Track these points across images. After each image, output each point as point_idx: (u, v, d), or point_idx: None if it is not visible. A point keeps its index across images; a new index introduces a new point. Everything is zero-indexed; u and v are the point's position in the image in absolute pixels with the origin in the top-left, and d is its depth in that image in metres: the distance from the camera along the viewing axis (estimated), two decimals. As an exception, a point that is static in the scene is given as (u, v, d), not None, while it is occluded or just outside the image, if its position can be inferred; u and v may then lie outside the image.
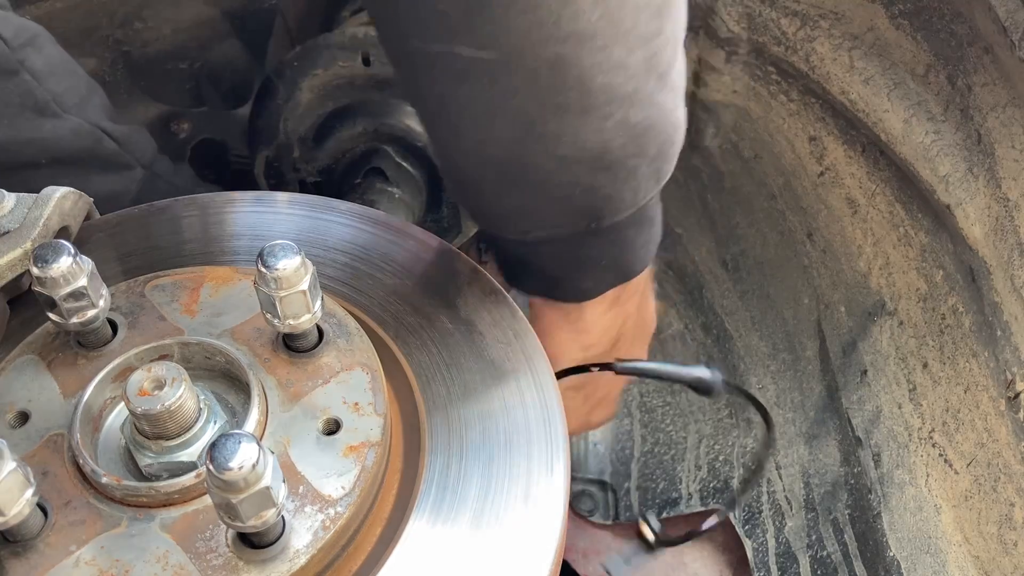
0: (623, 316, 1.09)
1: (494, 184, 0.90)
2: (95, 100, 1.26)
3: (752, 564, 1.36)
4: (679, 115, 0.89)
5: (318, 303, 0.76)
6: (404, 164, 1.45)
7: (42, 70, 1.15)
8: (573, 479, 1.60)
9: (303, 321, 0.75)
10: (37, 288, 0.75)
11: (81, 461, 0.70)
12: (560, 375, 1.06)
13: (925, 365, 1.20)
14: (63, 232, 0.90)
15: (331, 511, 0.69)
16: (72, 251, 0.74)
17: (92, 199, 0.97)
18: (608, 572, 1.44)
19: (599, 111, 0.81)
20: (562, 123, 0.81)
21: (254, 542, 0.67)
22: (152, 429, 0.70)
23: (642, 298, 1.11)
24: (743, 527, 1.40)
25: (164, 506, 0.69)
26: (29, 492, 0.64)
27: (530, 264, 1.00)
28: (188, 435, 0.71)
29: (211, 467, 0.59)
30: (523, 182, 0.87)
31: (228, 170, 1.81)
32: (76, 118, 1.19)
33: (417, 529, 0.75)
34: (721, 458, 1.49)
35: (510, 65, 0.77)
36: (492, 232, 0.98)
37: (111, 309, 0.80)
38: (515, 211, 0.92)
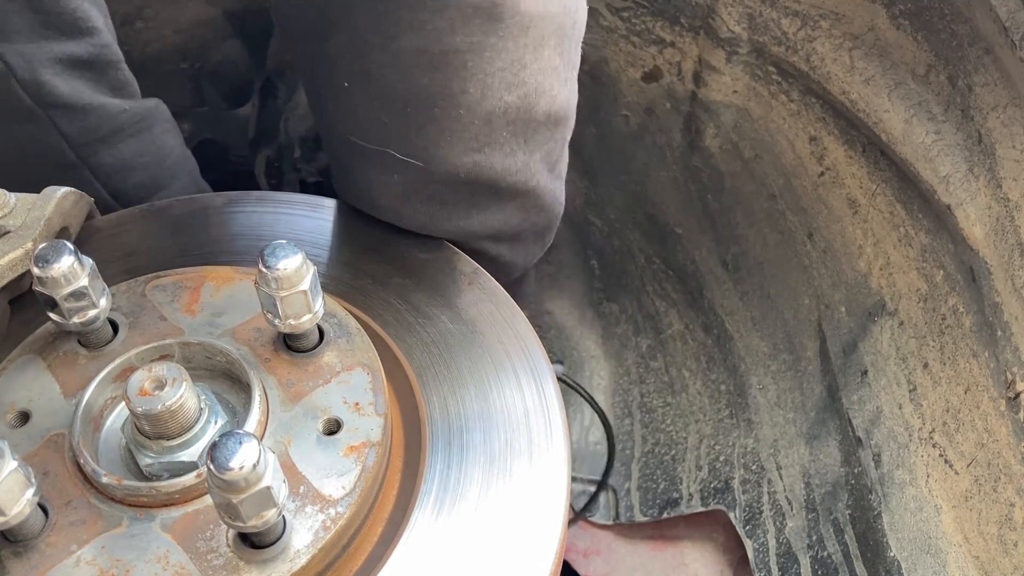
0: None
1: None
2: (173, 188, 1.21)
3: (752, 564, 1.36)
4: (562, 197, 1.09)
5: (319, 303, 0.76)
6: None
7: (111, 166, 1.12)
8: (573, 479, 1.60)
9: (304, 321, 0.75)
10: (38, 288, 0.75)
11: (82, 461, 0.70)
12: None
13: (925, 365, 1.20)
14: (64, 232, 0.90)
15: (332, 511, 0.69)
16: (73, 251, 0.74)
17: (92, 199, 0.97)
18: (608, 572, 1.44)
19: (505, 203, 0.99)
20: (471, 209, 0.98)
21: (255, 542, 0.67)
22: (153, 429, 0.70)
23: None
24: (743, 527, 1.40)
25: (165, 506, 0.69)
26: (30, 492, 0.64)
27: None
28: (189, 435, 0.71)
29: (212, 467, 0.59)
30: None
31: (228, 170, 1.81)
32: None
33: (418, 529, 0.75)
34: (721, 458, 1.49)
35: (432, 169, 0.93)
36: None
37: (112, 309, 0.80)
38: None
